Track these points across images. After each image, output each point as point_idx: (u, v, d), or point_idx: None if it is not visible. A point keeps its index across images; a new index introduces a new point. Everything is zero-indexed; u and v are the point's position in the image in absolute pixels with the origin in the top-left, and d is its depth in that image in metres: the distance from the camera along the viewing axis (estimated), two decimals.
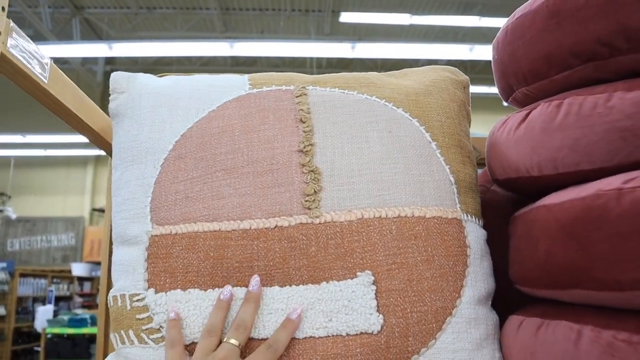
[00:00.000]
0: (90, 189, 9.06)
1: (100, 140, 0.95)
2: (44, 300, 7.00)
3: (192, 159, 0.71)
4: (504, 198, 0.91)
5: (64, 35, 7.67)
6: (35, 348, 6.06)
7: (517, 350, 0.65)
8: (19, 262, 7.88)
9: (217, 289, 0.64)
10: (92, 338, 5.19)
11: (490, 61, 0.85)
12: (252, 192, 0.68)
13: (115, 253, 0.73)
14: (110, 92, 0.80)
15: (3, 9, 0.61)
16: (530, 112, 0.69)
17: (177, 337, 0.62)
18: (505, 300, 0.74)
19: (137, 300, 0.67)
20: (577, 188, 0.60)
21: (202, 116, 0.74)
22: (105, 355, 0.82)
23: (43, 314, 5.61)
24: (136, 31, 8.03)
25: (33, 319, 6.30)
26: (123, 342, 0.66)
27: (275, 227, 0.66)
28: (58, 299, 7.26)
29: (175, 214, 0.69)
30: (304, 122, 0.71)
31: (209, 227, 0.67)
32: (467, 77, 0.85)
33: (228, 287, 0.64)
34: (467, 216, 0.71)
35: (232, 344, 0.59)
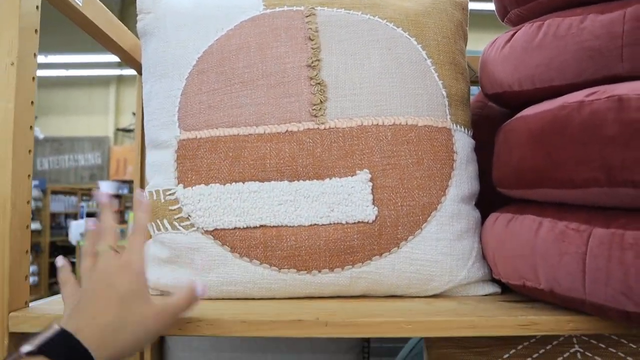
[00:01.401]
0: (114, 109, 9.17)
1: (129, 58, 1.04)
2: (75, 216, 7.27)
3: (214, 73, 0.80)
4: (498, 113, 0.99)
5: None
6: (72, 260, 6.34)
7: (492, 241, 0.75)
8: (49, 180, 8.10)
9: (234, 183, 0.75)
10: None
11: None
12: (266, 102, 0.78)
13: (149, 156, 0.84)
14: (137, 13, 0.88)
15: None
16: (516, 32, 0.76)
17: (67, 278, 0.63)
18: (492, 203, 0.84)
19: (169, 195, 0.78)
20: (549, 102, 0.68)
21: (222, 34, 0.82)
22: None
23: (76, 228, 5.81)
24: None
25: (67, 234, 6.55)
26: (159, 229, 0.78)
27: (286, 131, 0.76)
28: (89, 215, 7.50)
29: (199, 121, 0.79)
30: (312, 40, 0.80)
31: (229, 132, 0.77)
32: None
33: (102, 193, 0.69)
34: (456, 126, 0.80)
35: (104, 249, 0.60)
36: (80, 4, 0.82)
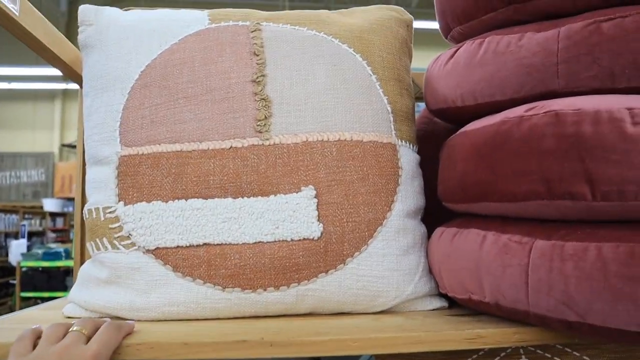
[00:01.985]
0: (59, 124, 8.93)
1: (70, 71, 1.01)
2: (16, 235, 7.02)
3: (157, 87, 0.79)
4: (443, 129, 1.00)
5: None
6: (11, 281, 6.10)
7: (438, 255, 0.76)
8: None
9: (177, 200, 0.73)
10: (67, 271, 5.25)
11: None
12: (210, 117, 0.76)
13: (89, 172, 0.81)
14: (78, 25, 0.85)
15: None
16: (458, 49, 0.77)
17: (29, 333, 0.60)
18: (438, 217, 0.85)
19: (110, 212, 0.75)
20: (491, 117, 0.69)
21: (165, 48, 0.81)
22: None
23: (17, 248, 5.62)
24: None
25: (7, 254, 6.32)
26: (98, 249, 0.75)
27: (230, 147, 0.75)
28: (31, 235, 7.24)
29: (141, 137, 0.77)
30: (257, 55, 0.79)
31: (172, 148, 0.76)
32: (411, 16, 0.92)
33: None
34: (401, 142, 0.80)
35: (77, 330, 0.59)
36: (17, 14, 0.79)
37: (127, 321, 0.63)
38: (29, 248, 5.96)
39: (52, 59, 0.95)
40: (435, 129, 1.03)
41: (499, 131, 0.65)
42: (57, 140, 8.93)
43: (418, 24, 0.94)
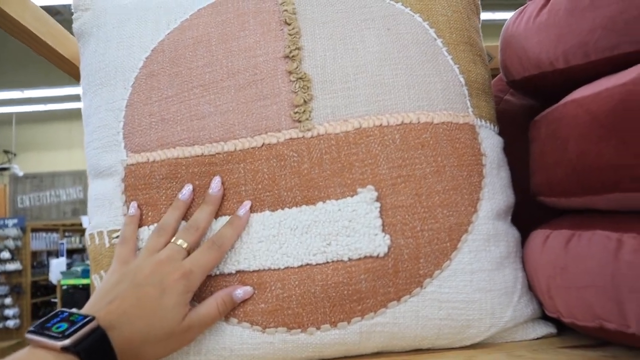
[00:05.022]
0: None
1: (72, 68, 0.86)
2: (57, 254, 7.06)
3: (166, 75, 0.63)
4: (519, 108, 0.81)
5: None
6: (53, 300, 6.12)
7: (544, 266, 0.57)
8: (31, 217, 7.84)
9: None
10: None
11: None
12: (235, 109, 0.60)
13: (91, 187, 0.66)
14: (72, 11, 0.70)
15: None
16: None
17: (131, 234, 0.58)
18: (522, 218, 0.66)
19: (117, 237, 0.60)
20: (614, 77, 0.50)
21: (174, 27, 0.65)
22: None
23: (56, 267, 5.64)
24: None
25: (48, 272, 6.36)
26: None
27: (263, 145, 0.58)
28: (71, 252, 7.28)
29: (151, 139, 0.61)
30: (289, 24, 0.62)
31: (190, 151, 0.60)
32: None
33: (188, 187, 0.59)
34: (481, 121, 0.62)
35: (179, 244, 0.55)
36: None
37: (228, 233, 0.56)
38: (69, 265, 6.00)
39: (48, 53, 0.81)
40: (508, 109, 0.84)
41: (636, 91, 0.46)
42: None
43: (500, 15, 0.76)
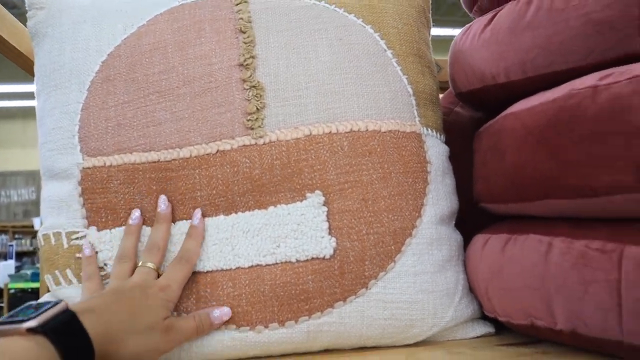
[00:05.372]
0: None
1: (30, 64, 0.85)
2: (5, 256, 6.87)
3: (122, 81, 0.64)
4: (468, 119, 0.85)
5: None
6: None
7: (484, 269, 0.60)
8: None
9: None
10: None
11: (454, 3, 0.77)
12: (190, 116, 0.61)
13: (45, 189, 0.66)
14: (27, 9, 0.71)
15: None
16: (497, 13, 0.62)
17: (94, 270, 0.59)
18: (467, 223, 0.69)
19: (77, 239, 0.61)
20: (548, 92, 0.54)
21: (131, 32, 0.66)
22: None
23: (4, 269, 5.50)
24: None
25: None
26: (59, 283, 0.61)
27: (217, 152, 0.60)
28: (21, 255, 7.10)
29: (107, 144, 0.62)
30: (244, 33, 0.64)
31: (147, 157, 0.61)
32: None
33: (136, 212, 0.60)
34: (428, 130, 0.65)
35: (148, 267, 0.56)
36: None
37: (192, 245, 0.58)
38: (19, 268, 5.83)
39: (7, 51, 0.80)
40: (458, 120, 0.87)
41: (565, 108, 0.49)
42: None
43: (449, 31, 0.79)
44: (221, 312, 0.55)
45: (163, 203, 0.60)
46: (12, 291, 5.23)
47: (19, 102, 8.34)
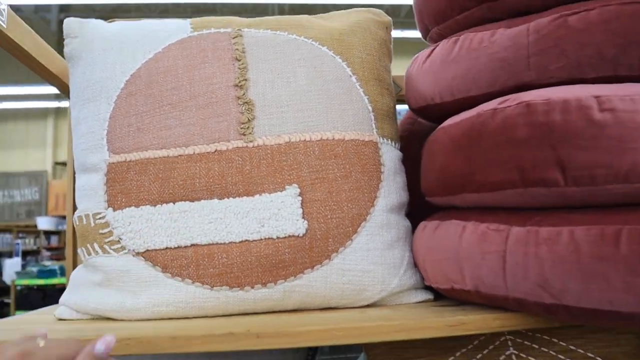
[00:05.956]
0: (52, 142, 8.90)
1: (59, 82, 1.03)
2: (10, 255, 7.00)
3: (142, 95, 0.81)
4: (428, 128, 1.02)
5: None
6: (5, 300, 6.09)
7: (422, 248, 0.78)
8: None
9: (165, 204, 0.75)
10: (62, 288, 5.19)
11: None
12: (195, 123, 0.78)
13: (78, 180, 0.83)
14: (64, 37, 0.87)
15: None
16: (435, 48, 0.80)
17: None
18: (421, 213, 0.87)
19: (100, 218, 0.77)
20: (467, 111, 0.71)
21: (149, 57, 0.83)
22: None
23: (11, 267, 5.62)
24: None
25: (1, 273, 6.31)
26: (89, 254, 0.77)
27: (215, 151, 0.77)
28: (26, 253, 7.22)
29: (129, 144, 0.79)
30: (239, 60, 0.81)
31: (158, 153, 0.78)
32: (389, 18, 0.95)
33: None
34: (383, 139, 0.82)
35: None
36: (5, 26, 0.81)
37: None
38: (23, 267, 5.95)
39: (40, 70, 0.97)
40: (419, 129, 1.05)
41: (475, 124, 0.67)
42: (50, 159, 8.90)
43: (407, 34, 0.96)
44: (108, 342, 0.49)
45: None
46: (18, 288, 5.34)
47: (21, 104, 8.47)
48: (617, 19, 0.64)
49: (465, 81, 0.73)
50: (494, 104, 0.66)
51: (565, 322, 0.66)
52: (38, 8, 8.31)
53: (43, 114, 8.89)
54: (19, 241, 7.03)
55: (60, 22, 8.78)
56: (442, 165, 0.72)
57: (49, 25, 8.71)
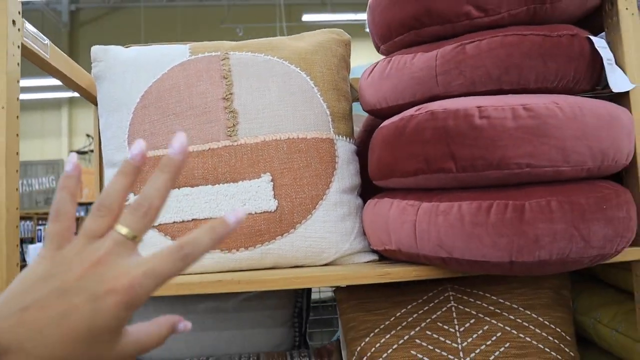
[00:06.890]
0: (67, 131, 9.20)
1: (87, 93, 1.28)
2: (32, 241, 7.30)
3: (153, 107, 1.05)
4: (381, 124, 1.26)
5: None
6: None
7: (367, 220, 1.02)
8: None
9: (172, 189, 1.00)
10: None
11: None
12: (193, 127, 1.03)
13: (107, 173, 1.08)
14: (92, 61, 1.12)
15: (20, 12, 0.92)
16: (376, 65, 1.03)
17: (64, 206, 0.44)
18: (371, 192, 1.11)
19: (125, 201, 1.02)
20: (395, 116, 0.95)
21: (157, 77, 1.07)
22: None
23: (34, 251, 5.89)
24: None
25: (24, 259, 6.58)
26: None
27: (209, 149, 1.01)
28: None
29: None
30: (226, 78, 1.05)
31: (166, 152, 1.02)
32: (349, 36, 1.18)
33: (139, 143, 0.47)
34: (338, 136, 1.07)
35: (124, 235, 0.43)
36: (48, 56, 1.05)
37: (204, 242, 0.44)
38: None
39: (72, 85, 1.23)
40: (377, 124, 1.29)
41: (398, 126, 0.91)
42: (66, 147, 9.20)
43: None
44: (184, 326, 0.47)
45: (179, 145, 0.47)
46: None
47: (37, 95, 8.72)
48: (501, 47, 0.87)
49: (394, 93, 0.96)
50: (411, 111, 0.90)
51: (457, 270, 0.89)
52: (49, 0, 8.55)
53: (57, 104, 9.17)
54: (41, 227, 7.31)
55: (72, 13, 9.08)
56: (378, 156, 0.97)
57: (60, 16, 8.96)
